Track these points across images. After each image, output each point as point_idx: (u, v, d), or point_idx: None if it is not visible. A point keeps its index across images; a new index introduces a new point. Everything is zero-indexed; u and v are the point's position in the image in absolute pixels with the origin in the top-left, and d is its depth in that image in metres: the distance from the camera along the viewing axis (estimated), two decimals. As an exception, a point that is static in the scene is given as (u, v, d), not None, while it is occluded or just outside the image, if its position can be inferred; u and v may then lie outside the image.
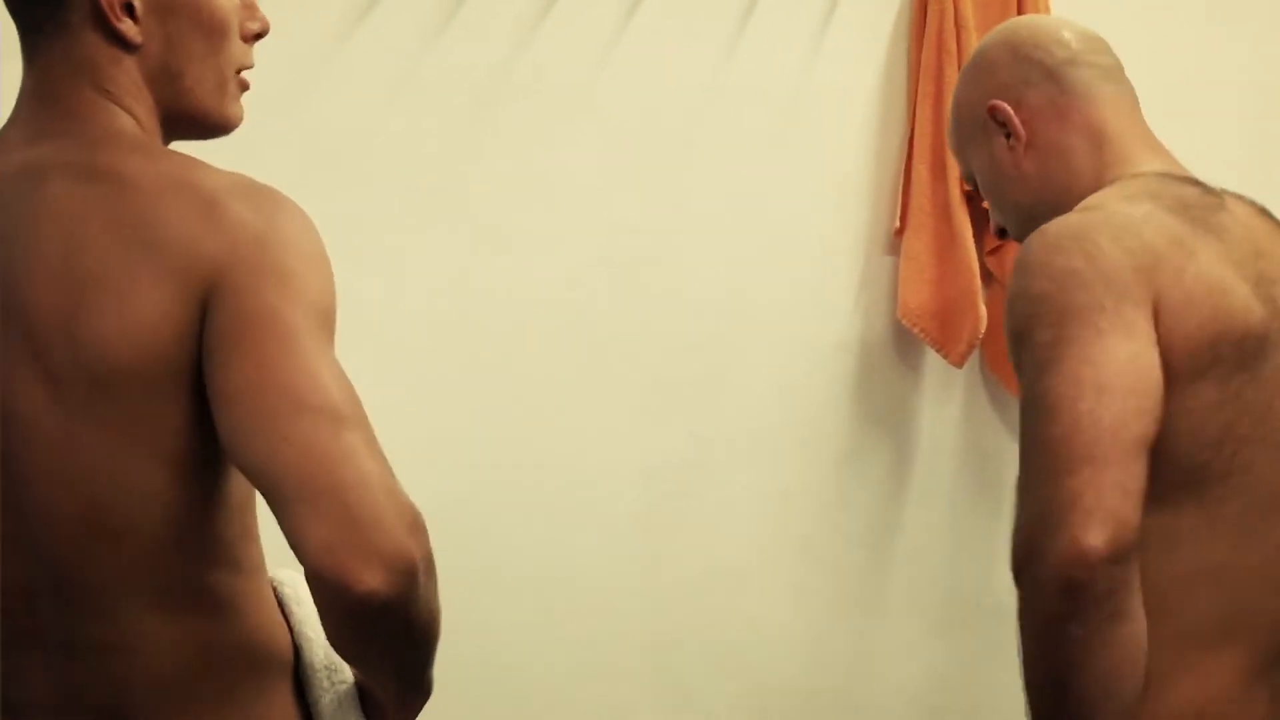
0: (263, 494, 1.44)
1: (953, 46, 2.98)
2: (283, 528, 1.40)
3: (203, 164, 1.57)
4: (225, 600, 1.58)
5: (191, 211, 1.50)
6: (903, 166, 3.06)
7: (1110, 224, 1.68)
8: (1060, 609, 1.55)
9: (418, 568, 1.41)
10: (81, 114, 1.60)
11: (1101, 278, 1.63)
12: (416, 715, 1.66)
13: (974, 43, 2.98)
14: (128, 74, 1.61)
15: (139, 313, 1.47)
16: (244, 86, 1.73)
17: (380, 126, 2.84)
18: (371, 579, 1.37)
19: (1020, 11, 3.02)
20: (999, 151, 1.89)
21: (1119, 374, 1.58)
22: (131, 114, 1.61)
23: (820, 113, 3.05)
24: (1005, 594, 2.98)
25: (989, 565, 3.10)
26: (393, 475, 1.43)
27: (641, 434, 2.99)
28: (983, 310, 2.95)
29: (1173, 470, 1.64)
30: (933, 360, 3.10)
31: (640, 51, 2.96)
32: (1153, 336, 1.62)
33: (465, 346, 2.89)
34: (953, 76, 2.96)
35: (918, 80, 3.03)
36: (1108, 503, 1.53)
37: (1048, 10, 3.05)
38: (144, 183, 1.53)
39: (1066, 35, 1.90)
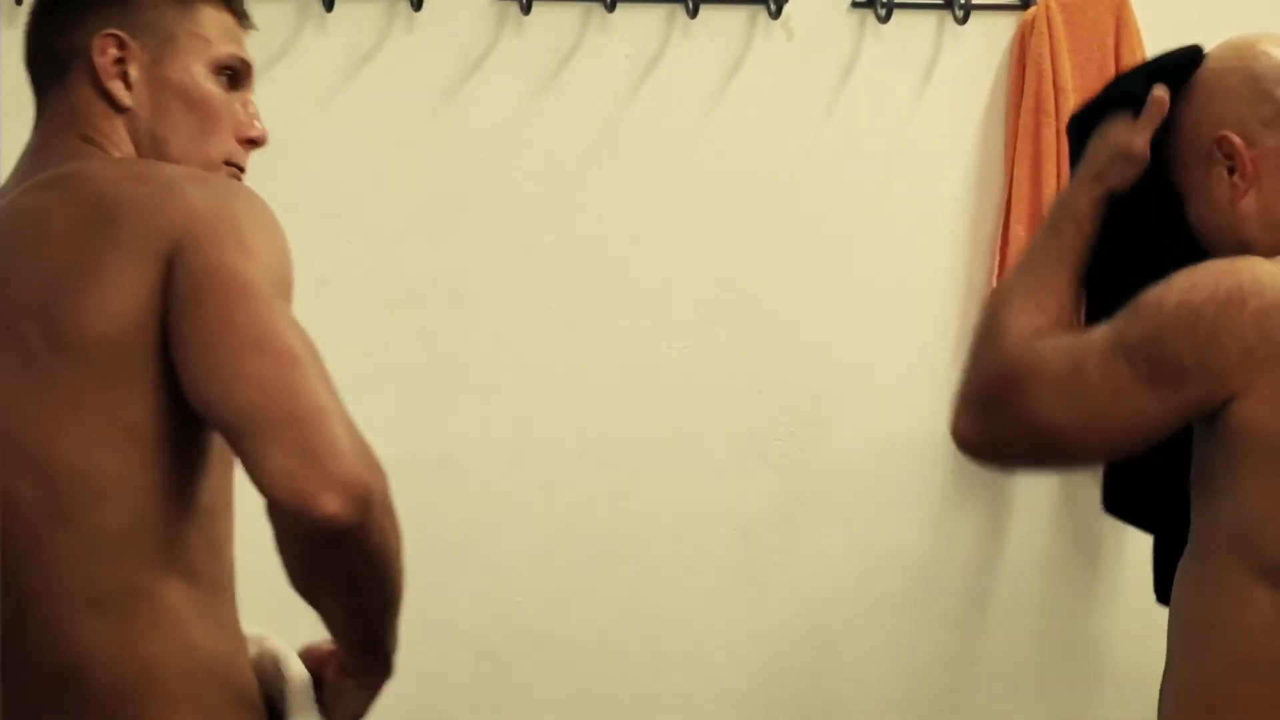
0: (224, 435, 1.49)
1: (1050, 108, 2.99)
2: (244, 464, 1.45)
3: (161, 162, 1.68)
4: (173, 612, 1.57)
5: (150, 192, 1.59)
6: (1000, 227, 3.06)
7: None
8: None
9: (374, 497, 1.45)
10: (65, 155, 1.69)
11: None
12: (379, 687, 1.68)
13: (1072, 105, 2.99)
14: (116, 130, 1.71)
15: (108, 286, 1.54)
16: (234, 178, 1.77)
17: (484, 182, 2.89)
18: (330, 503, 1.41)
19: (1118, 61, 3.02)
20: (1216, 184, 1.83)
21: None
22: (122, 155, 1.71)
23: (918, 173, 3.06)
24: (1101, 652, 2.97)
25: (1085, 624, 3.08)
26: (347, 412, 1.47)
27: (738, 489, 3.01)
28: (1079, 370, 2.94)
29: None
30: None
31: (740, 110, 2.99)
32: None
33: (564, 400, 2.93)
34: (1050, 138, 2.97)
35: (1015, 141, 3.04)
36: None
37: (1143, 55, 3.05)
38: (105, 176, 1.63)
39: None
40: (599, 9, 2.92)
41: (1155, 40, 3.05)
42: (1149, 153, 1.85)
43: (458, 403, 2.89)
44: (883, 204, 3.06)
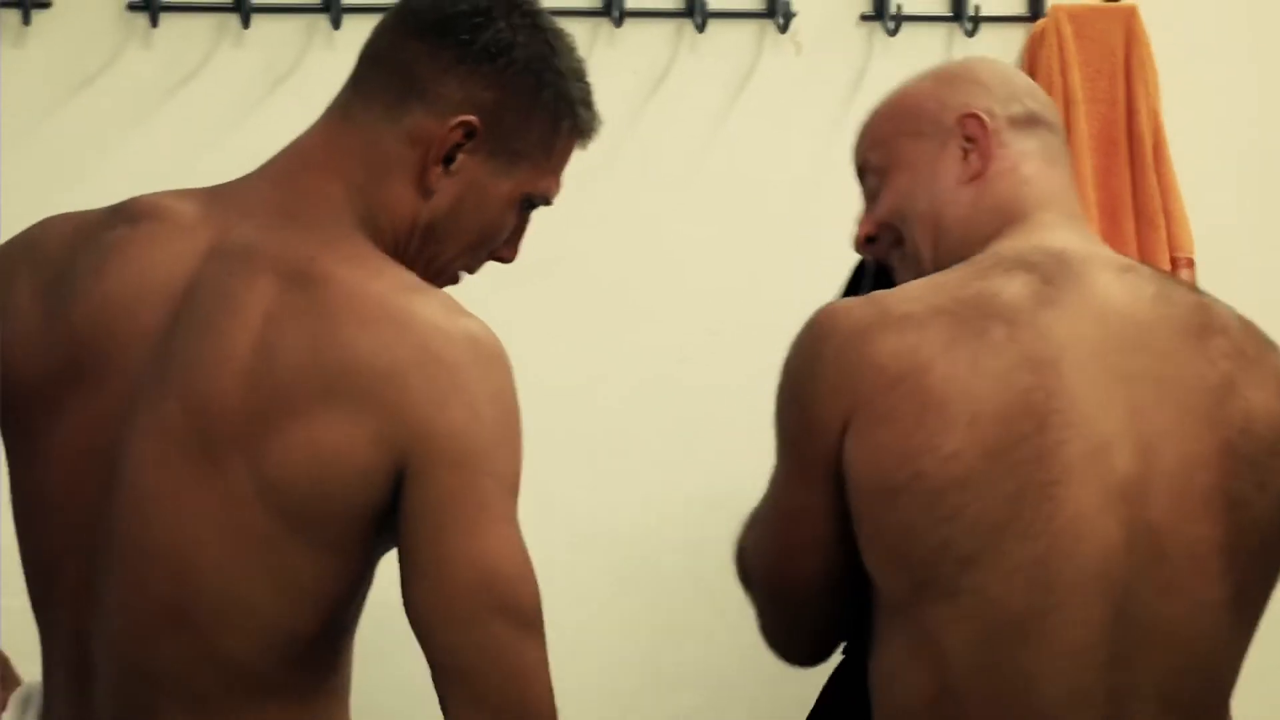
0: (435, 672, 1.47)
1: (1062, 121, 2.98)
2: (444, 708, 1.46)
3: (417, 286, 1.54)
4: None
5: (399, 355, 1.47)
6: (1011, 239, 3.06)
7: None
8: None
9: None
10: (329, 207, 1.56)
11: None
12: None
13: (1082, 116, 2.99)
14: (401, 202, 1.59)
15: (326, 451, 1.45)
16: (454, 281, 1.72)
17: (493, 200, 2.89)
18: None
19: (1129, 83, 3.02)
20: (947, 159, 1.84)
21: None
22: (377, 229, 1.58)
23: (928, 186, 3.06)
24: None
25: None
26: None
27: (752, 503, 2.99)
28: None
29: None
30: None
31: (749, 124, 2.99)
32: None
33: (572, 417, 2.92)
34: (1061, 150, 2.97)
35: (1026, 153, 3.03)
36: None
37: (1156, 81, 3.05)
38: (353, 302, 1.48)
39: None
40: (606, 24, 2.91)
41: (1165, 51, 3.05)
42: None
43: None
44: (893, 217, 3.05)
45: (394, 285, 1.53)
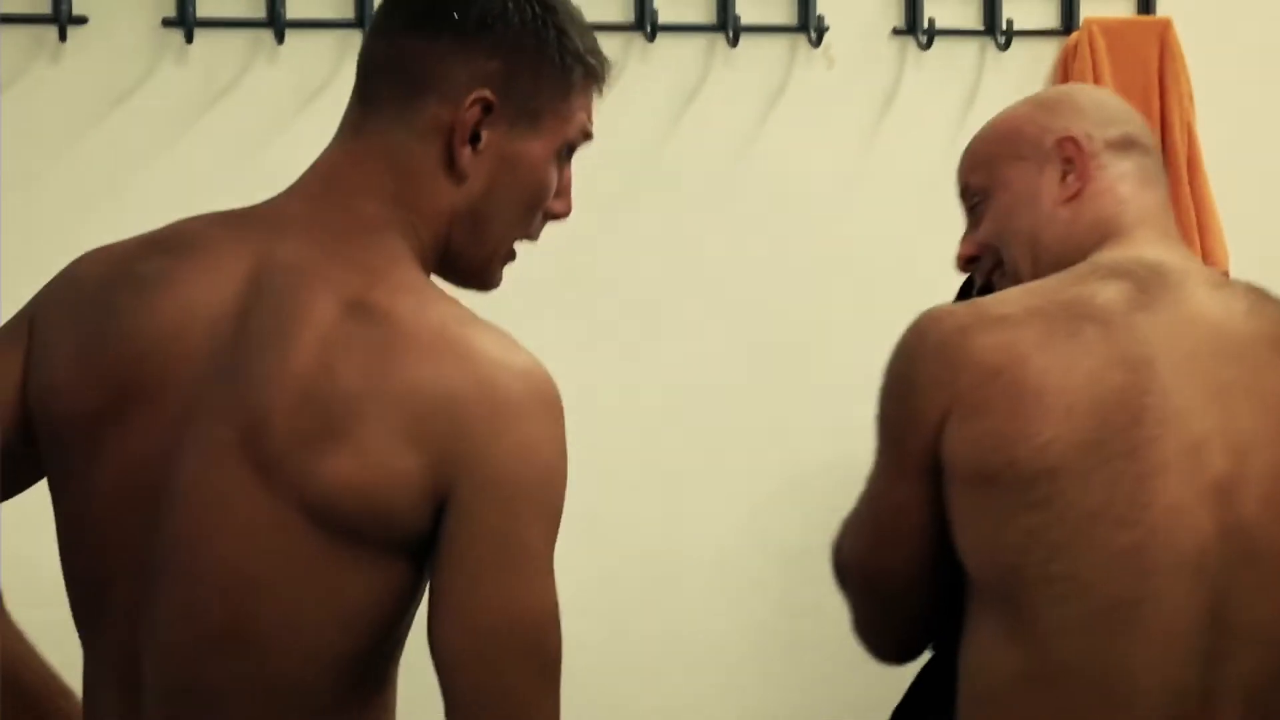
0: (450, 708, 1.46)
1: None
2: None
3: (470, 319, 1.53)
4: None
5: (457, 384, 1.47)
6: (1044, 252, 3.05)
7: None
8: None
9: None
10: (370, 226, 1.54)
11: None
12: None
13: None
14: (438, 195, 1.57)
15: (377, 472, 1.44)
16: (512, 256, 1.69)
17: (525, 214, 2.89)
18: None
19: (1163, 96, 3.02)
20: (1046, 182, 1.89)
21: None
22: (419, 239, 1.57)
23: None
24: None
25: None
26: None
27: (781, 519, 3.00)
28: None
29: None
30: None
31: (781, 138, 2.99)
32: None
33: (606, 433, 2.92)
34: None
35: (1059, 167, 3.03)
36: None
37: (1190, 94, 3.04)
38: (412, 333, 1.48)
39: None
40: (639, 38, 2.92)
41: (1199, 63, 3.04)
42: None
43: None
44: (925, 232, 3.04)
45: (452, 317, 1.52)
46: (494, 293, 2.92)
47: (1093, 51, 2.99)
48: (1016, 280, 1.89)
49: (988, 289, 1.98)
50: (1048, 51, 3.06)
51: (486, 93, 1.54)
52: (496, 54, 1.55)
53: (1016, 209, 1.91)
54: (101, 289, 1.56)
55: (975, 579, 1.75)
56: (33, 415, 1.56)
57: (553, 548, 1.49)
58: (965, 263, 2.02)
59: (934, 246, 3.04)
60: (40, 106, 2.74)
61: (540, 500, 1.49)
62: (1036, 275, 1.86)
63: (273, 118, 2.83)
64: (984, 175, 1.97)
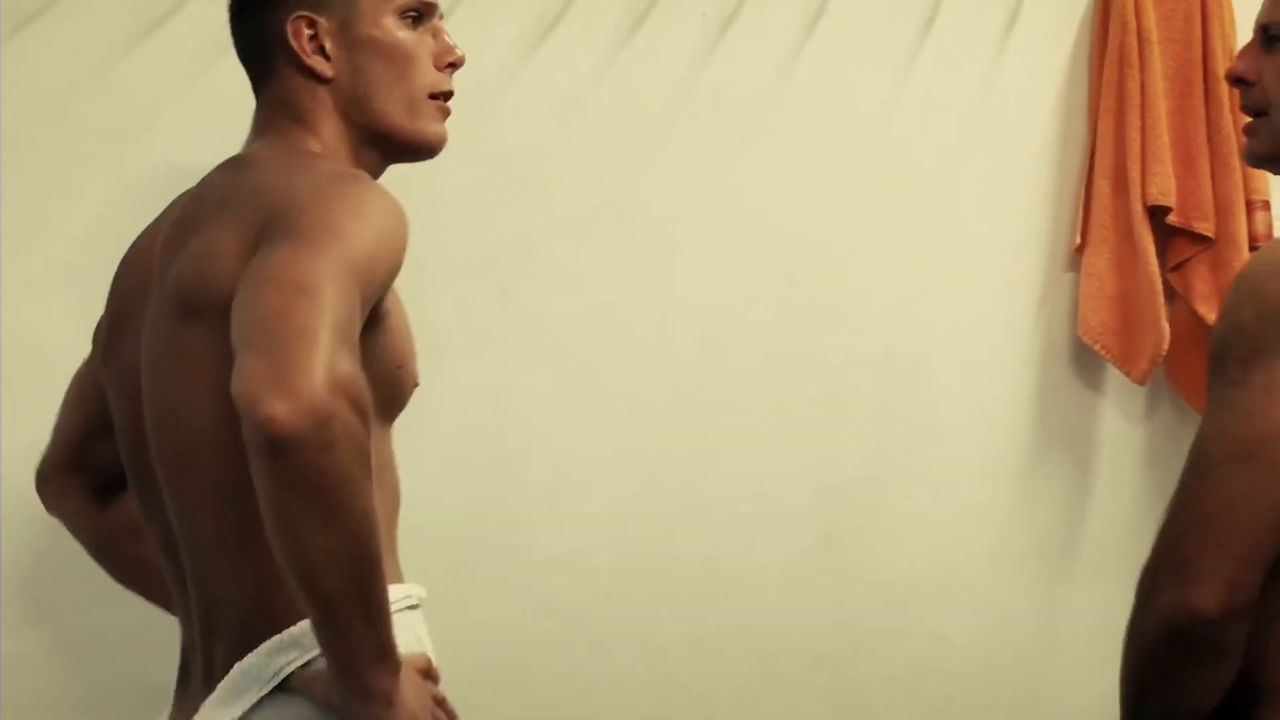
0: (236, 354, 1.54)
1: (1135, 60, 2.95)
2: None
3: (321, 161, 1.80)
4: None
5: (280, 178, 1.72)
6: (1083, 182, 3.03)
7: None
8: (1162, 654, 1.60)
9: (330, 421, 1.45)
10: (274, 136, 1.86)
11: None
12: (343, 645, 1.55)
13: (1156, 56, 2.95)
14: (322, 103, 1.86)
15: (221, 260, 1.65)
16: (444, 111, 1.93)
17: (561, 143, 2.88)
18: (274, 407, 1.44)
19: (1205, 23, 2.98)
20: None
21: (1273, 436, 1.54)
22: (318, 136, 1.86)
23: (1000, 127, 3.03)
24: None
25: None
26: (343, 344, 1.50)
27: (820, 449, 2.99)
28: (1165, 327, 2.90)
29: None
30: (1114, 377, 3.07)
31: (819, 67, 2.97)
32: None
33: (643, 361, 2.92)
34: (1134, 91, 2.93)
35: (1099, 94, 3.00)
36: (1224, 568, 1.53)
37: (1232, 21, 3.00)
38: (258, 161, 1.79)
39: None
40: (676, -35, 2.89)
41: (1242, -11, 3.00)
42: None
43: (538, 366, 2.89)
44: (966, 158, 3.03)
45: (292, 154, 1.82)
46: (532, 223, 2.94)
47: (1136, -24, 2.96)
48: (1273, 146, 1.82)
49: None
50: (1089, -25, 3.04)
51: (301, 12, 1.85)
52: None
53: None
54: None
55: None
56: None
57: (338, 257, 1.57)
58: (1233, 78, 1.88)
59: (974, 172, 3.03)
60: (71, 35, 2.73)
61: (338, 231, 1.61)
62: None
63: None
64: None
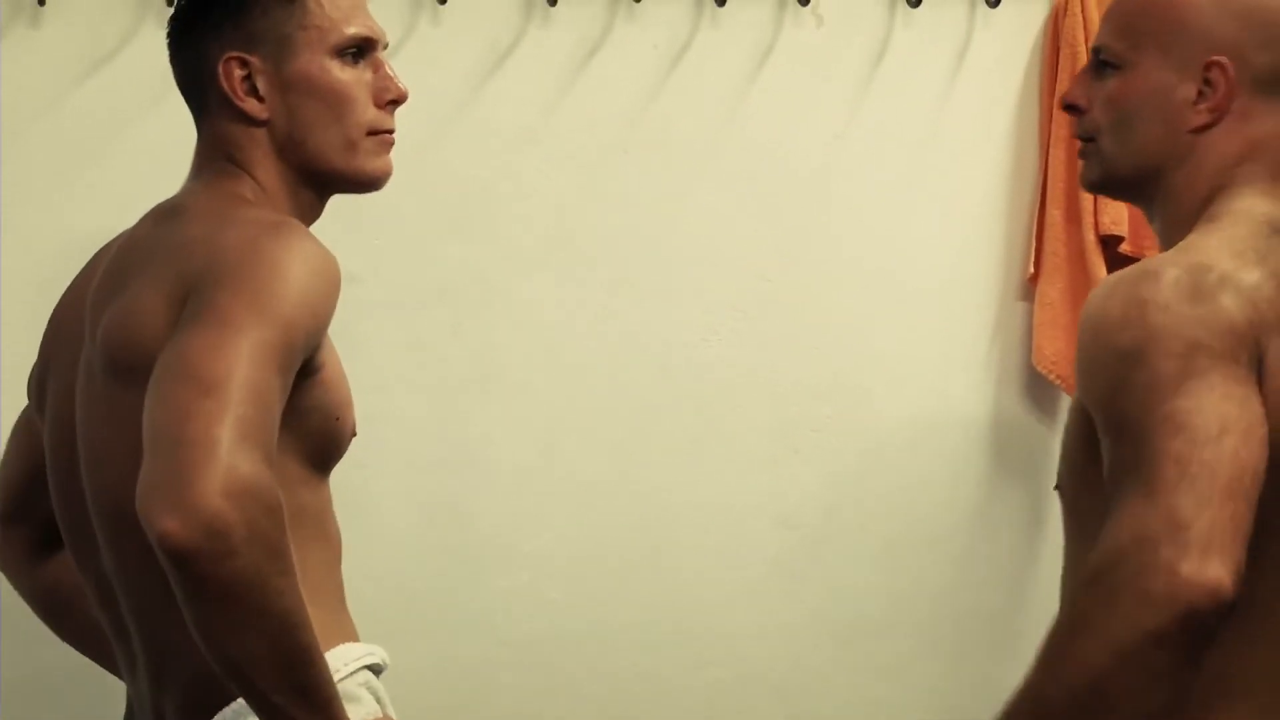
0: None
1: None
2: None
3: (250, 209, 1.77)
4: None
5: (206, 231, 1.69)
6: (1036, 211, 3.03)
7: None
8: (1151, 652, 1.43)
9: (224, 529, 1.43)
10: (209, 177, 1.84)
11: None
12: None
13: (1107, 86, 2.96)
14: (257, 144, 1.83)
15: (146, 319, 1.64)
16: (386, 144, 1.89)
17: (513, 175, 2.87)
18: (166, 523, 1.43)
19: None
20: (1180, 99, 1.77)
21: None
22: (254, 177, 1.83)
23: (951, 157, 3.03)
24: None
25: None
26: (245, 444, 1.48)
27: (774, 480, 2.99)
28: (1119, 356, 2.90)
29: None
30: (1069, 407, 3.07)
31: (770, 99, 2.97)
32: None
33: (596, 394, 2.91)
34: (1085, 120, 2.94)
35: (1050, 123, 3.01)
36: (1232, 544, 1.45)
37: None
38: (186, 213, 1.76)
39: None
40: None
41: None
42: None
43: (490, 399, 2.88)
44: (916, 191, 3.03)
45: (227, 204, 1.78)
46: (482, 256, 2.93)
47: (1083, 8, 2.96)
48: (1102, 173, 1.85)
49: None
50: (1038, 9, 3.04)
51: (233, 52, 1.81)
52: (223, 21, 1.82)
53: (1145, 107, 1.81)
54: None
55: None
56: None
57: (255, 323, 1.57)
58: (1065, 106, 1.90)
59: (925, 204, 3.04)
60: (19, 70, 2.71)
61: (256, 290, 1.60)
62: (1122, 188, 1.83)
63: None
64: (1126, 46, 1.82)
